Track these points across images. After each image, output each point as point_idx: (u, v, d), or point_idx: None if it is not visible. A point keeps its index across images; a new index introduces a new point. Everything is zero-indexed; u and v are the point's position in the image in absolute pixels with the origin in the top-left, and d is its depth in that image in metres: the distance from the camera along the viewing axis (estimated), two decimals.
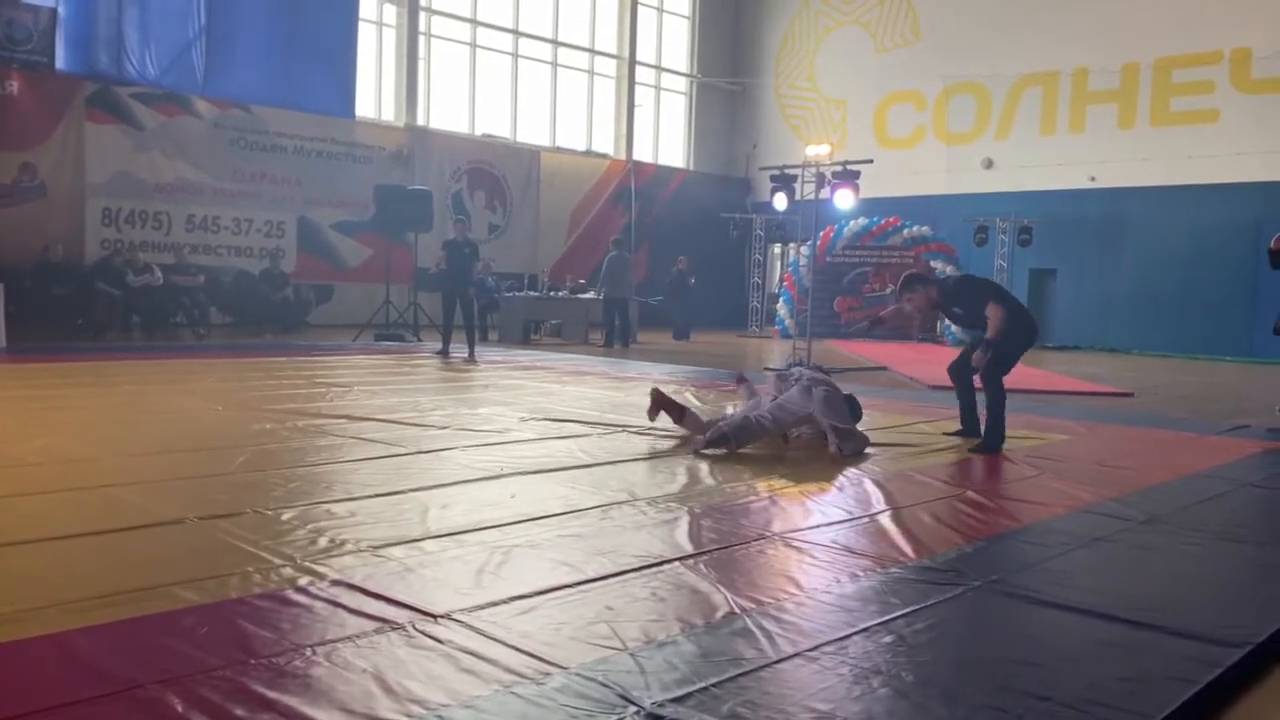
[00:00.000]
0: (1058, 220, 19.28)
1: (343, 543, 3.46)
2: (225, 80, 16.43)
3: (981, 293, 6.24)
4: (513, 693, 2.26)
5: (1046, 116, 20.14)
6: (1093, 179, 19.31)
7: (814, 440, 6.00)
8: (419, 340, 14.56)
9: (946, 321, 19.53)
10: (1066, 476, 5.22)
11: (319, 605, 2.82)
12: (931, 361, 14.25)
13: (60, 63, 14.89)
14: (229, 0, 16.26)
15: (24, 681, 2.25)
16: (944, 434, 6.60)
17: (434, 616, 2.74)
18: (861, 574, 3.33)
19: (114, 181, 15.28)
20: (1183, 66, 18.27)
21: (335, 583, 3.01)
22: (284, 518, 3.79)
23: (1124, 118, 19.12)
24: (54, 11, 14.74)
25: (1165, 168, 18.31)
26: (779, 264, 24.18)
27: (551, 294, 17.20)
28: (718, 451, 5.62)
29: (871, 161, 13.42)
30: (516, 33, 21.30)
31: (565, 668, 2.41)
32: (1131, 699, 2.34)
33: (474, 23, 20.59)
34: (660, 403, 6.16)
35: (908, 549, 3.65)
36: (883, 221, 20.07)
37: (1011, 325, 6.00)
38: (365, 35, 18.53)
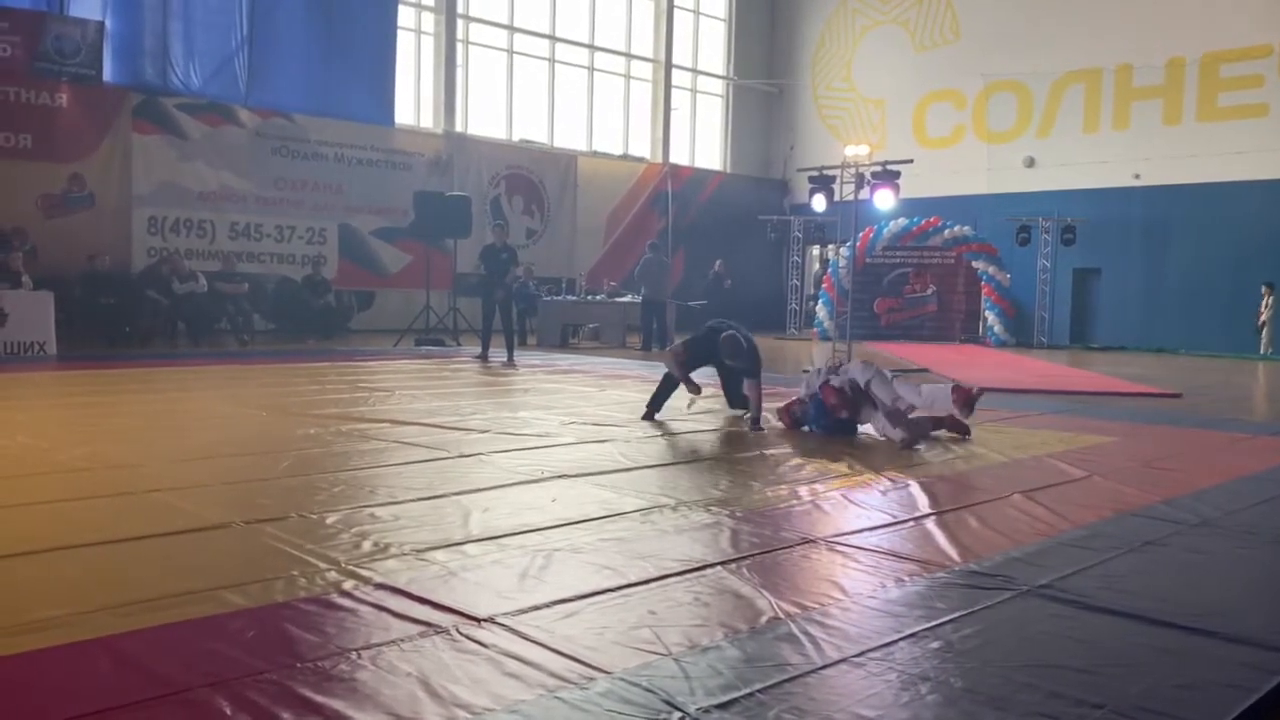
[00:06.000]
0: (1102, 219, 18.98)
1: (386, 546, 3.48)
2: (267, 90, 16.67)
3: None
4: (557, 697, 2.26)
5: (1089, 114, 19.85)
6: (1138, 176, 19.00)
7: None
8: (459, 345, 14.65)
9: (989, 323, 19.34)
10: (1114, 479, 5.12)
11: (364, 609, 2.84)
12: (975, 364, 14.12)
13: (107, 75, 15.18)
14: (270, 11, 16.50)
15: (76, 684, 2.29)
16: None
17: (477, 620, 2.74)
18: (907, 579, 3.28)
19: (160, 191, 15.55)
20: (1230, 61, 17.92)
21: (379, 586, 3.03)
22: (328, 522, 3.82)
23: (1169, 114, 18.80)
24: (101, 25, 15.04)
25: (1213, 164, 17.97)
26: (817, 266, 24.05)
27: (589, 298, 17.23)
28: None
29: (911, 161, 13.33)
30: (553, 38, 21.38)
31: (609, 672, 2.40)
32: (1186, 706, 2.29)
33: (511, 29, 20.70)
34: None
35: (954, 553, 3.60)
36: (923, 222, 19.89)
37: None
38: (404, 43, 18.69)
